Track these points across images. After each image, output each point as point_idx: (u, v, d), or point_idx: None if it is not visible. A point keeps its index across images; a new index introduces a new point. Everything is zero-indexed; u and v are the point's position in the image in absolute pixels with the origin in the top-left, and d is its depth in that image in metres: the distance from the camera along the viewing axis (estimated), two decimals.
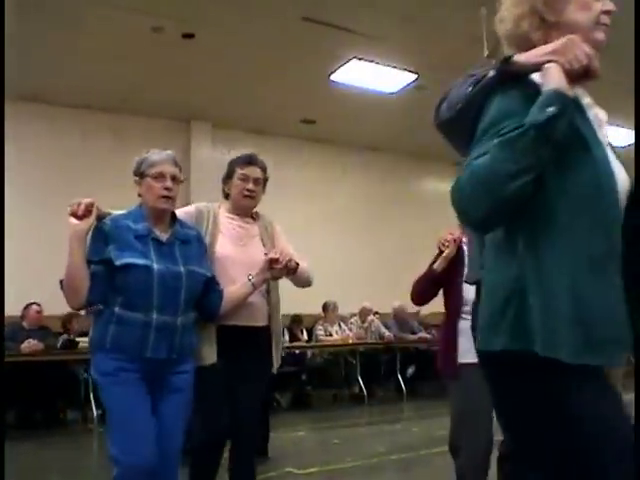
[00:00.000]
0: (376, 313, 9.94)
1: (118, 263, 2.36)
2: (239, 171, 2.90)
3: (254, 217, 3.00)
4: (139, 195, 2.57)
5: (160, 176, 2.50)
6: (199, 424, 2.64)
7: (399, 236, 11.43)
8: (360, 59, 8.15)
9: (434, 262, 3.14)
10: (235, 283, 2.72)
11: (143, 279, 2.38)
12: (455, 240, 3.06)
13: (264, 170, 2.96)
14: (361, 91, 9.00)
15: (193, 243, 2.61)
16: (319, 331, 9.00)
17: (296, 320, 8.92)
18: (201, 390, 2.56)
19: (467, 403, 2.91)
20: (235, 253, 2.80)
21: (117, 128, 9.30)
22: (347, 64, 8.27)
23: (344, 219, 10.78)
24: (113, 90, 8.71)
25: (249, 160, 2.93)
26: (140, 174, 2.55)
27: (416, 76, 8.62)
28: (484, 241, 1.59)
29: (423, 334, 9.95)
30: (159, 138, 9.17)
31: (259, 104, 9.43)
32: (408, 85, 8.88)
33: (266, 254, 2.76)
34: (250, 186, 2.88)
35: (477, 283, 2.02)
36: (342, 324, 9.36)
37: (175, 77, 8.42)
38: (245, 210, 2.95)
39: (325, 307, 9.13)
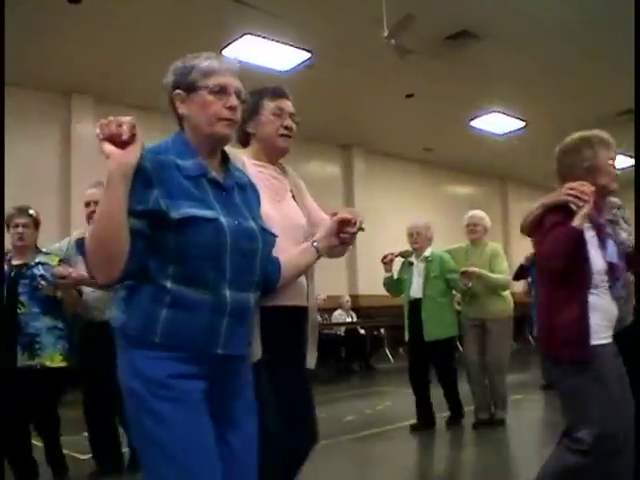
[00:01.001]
0: None
1: (176, 215, 1.58)
2: (270, 104, 2.23)
3: (280, 168, 2.35)
4: (180, 119, 1.78)
5: (222, 91, 1.72)
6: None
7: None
8: (253, 34, 7.90)
9: (555, 223, 2.42)
10: (278, 251, 1.94)
11: (213, 241, 1.62)
12: (593, 192, 2.37)
13: None
14: (253, 68, 8.72)
15: (248, 191, 1.85)
16: None
17: None
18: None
19: (610, 395, 2.35)
20: (274, 212, 2.12)
21: None
22: (240, 39, 7.99)
23: None
24: None
25: (281, 92, 2.27)
26: (188, 86, 1.74)
27: (310, 55, 8.47)
28: None
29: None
30: (38, 111, 8.46)
31: (146, 78, 8.82)
32: (300, 64, 8.73)
33: (335, 213, 2.04)
34: (288, 122, 2.24)
35: None
36: None
37: (57, 45, 7.77)
38: (280, 154, 2.30)
39: None
